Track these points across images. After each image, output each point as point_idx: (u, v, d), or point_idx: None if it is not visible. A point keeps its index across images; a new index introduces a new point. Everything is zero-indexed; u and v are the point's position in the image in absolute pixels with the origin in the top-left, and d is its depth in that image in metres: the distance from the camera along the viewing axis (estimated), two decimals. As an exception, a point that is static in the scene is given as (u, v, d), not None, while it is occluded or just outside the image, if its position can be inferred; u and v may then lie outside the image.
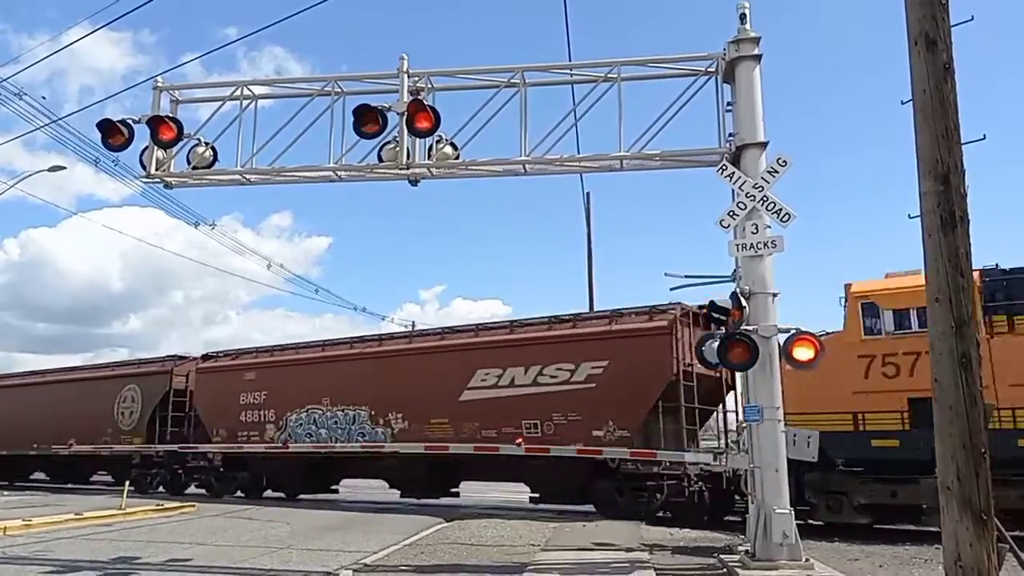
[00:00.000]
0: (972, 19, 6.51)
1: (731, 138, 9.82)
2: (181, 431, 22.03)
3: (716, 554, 10.10)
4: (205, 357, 22.65)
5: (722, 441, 15.75)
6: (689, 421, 14.16)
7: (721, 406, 15.83)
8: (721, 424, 16.05)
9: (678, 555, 10.50)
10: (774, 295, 9.42)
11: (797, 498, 11.99)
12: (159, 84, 10.77)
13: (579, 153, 10.39)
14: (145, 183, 11.83)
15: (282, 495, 20.77)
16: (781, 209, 9.20)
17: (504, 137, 11.37)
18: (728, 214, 9.38)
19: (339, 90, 10.55)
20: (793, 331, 9.15)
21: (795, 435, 9.34)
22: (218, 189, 14.70)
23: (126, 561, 10.05)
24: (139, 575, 9.21)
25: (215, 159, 10.77)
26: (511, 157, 10.32)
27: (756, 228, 9.30)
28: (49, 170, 22.81)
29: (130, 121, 10.32)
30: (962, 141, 5.70)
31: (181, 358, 23.23)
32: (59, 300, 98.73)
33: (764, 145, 9.57)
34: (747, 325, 9.03)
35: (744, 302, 9.07)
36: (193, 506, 17.42)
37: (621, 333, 14.89)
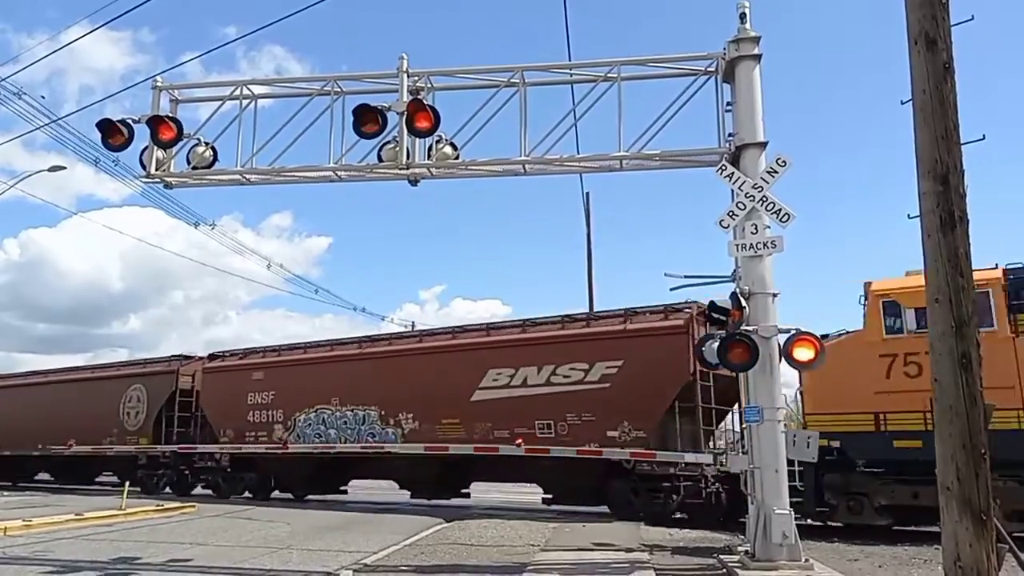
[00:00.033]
0: (972, 19, 6.53)
1: (731, 138, 9.82)
2: (187, 431, 21.91)
3: (716, 554, 10.09)
4: (211, 357, 22.50)
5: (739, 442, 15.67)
6: (706, 421, 14.05)
7: (737, 406, 15.74)
8: (738, 425, 15.89)
9: (678, 555, 10.50)
10: (774, 295, 9.43)
11: (817, 500, 11.98)
12: (159, 84, 10.77)
13: (579, 153, 10.38)
14: (145, 183, 11.85)
15: (290, 496, 20.60)
16: (781, 209, 9.20)
17: (504, 137, 11.40)
18: (728, 214, 9.38)
19: (339, 90, 10.55)
20: (793, 331, 9.17)
21: (795, 436, 9.34)
22: (218, 189, 14.73)
23: (126, 561, 10.05)
24: (139, 575, 9.22)
25: (215, 159, 10.77)
26: (511, 157, 10.32)
27: (756, 228, 9.30)
28: (49, 170, 22.82)
29: (130, 121, 10.32)
30: (961, 141, 5.70)
31: (187, 358, 23.11)
32: (59, 300, 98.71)
33: (764, 145, 9.57)
34: (747, 325, 9.03)
35: (744, 302, 9.07)
36: (193, 506, 17.43)
37: (636, 332, 14.71)
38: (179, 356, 23.40)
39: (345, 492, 20.71)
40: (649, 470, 14.32)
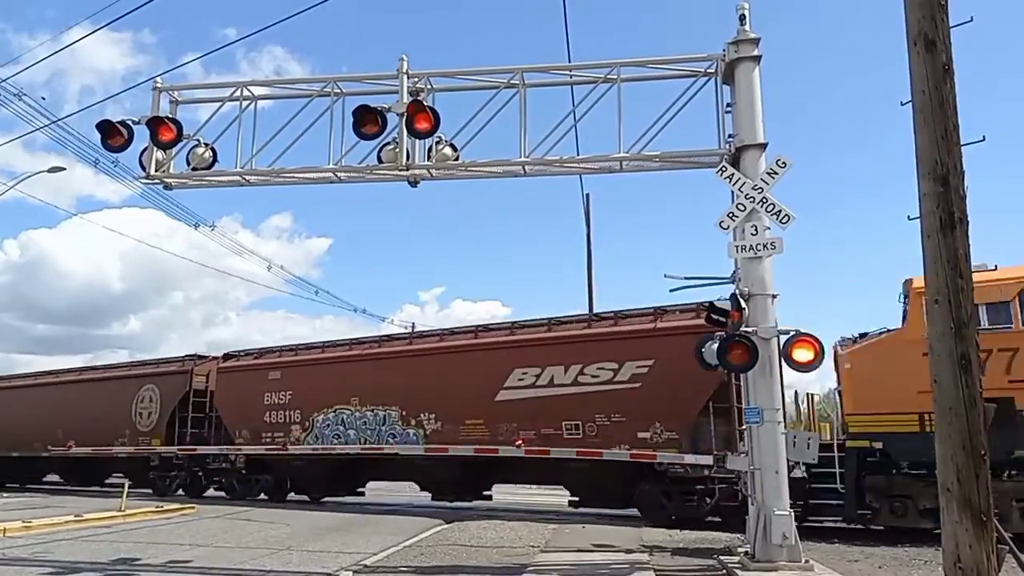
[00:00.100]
0: (971, 20, 6.51)
1: (730, 139, 9.83)
2: (201, 432, 21.57)
3: (716, 555, 10.09)
4: (226, 356, 22.12)
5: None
6: (741, 422, 13.85)
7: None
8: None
9: (678, 556, 10.50)
10: (773, 297, 9.43)
11: (858, 503, 11.78)
12: (159, 85, 10.78)
13: (579, 154, 10.38)
14: (145, 184, 11.85)
15: (305, 498, 20.31)
16: (780, 211, 9.20)
17: (504, 138, 11.40)
18: (728, 215, 9.38)
19: (339, 91, 10.56)
20: (793, 332, 9.17)
21: (795, 437, 9.33)
22: (218, 190, 14.75)
23: (126, 562, 10.04)
24: (139, 576, 9.22)
25: (215, 160, 10.77)
26: (511, 158, 10.32)
27: (756, 229, 9.30)
28: (49, 171, 22.84)
29: (130, 122, 10.32)
30: (961, 142, 5.70)
31: (201, 357, 22.76)
32: (59, 301, 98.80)
33: (764, 146, 9.58)
34: (747, 327, 9.03)
35: (744, 304, 9.07)
36: (193, 507, 17.42)
37: (668, 331, 14.27)
38: (192, 356, 23.00)
39: (363, 494, 20.36)
40: (682, 472, 13.93)
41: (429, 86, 10.33)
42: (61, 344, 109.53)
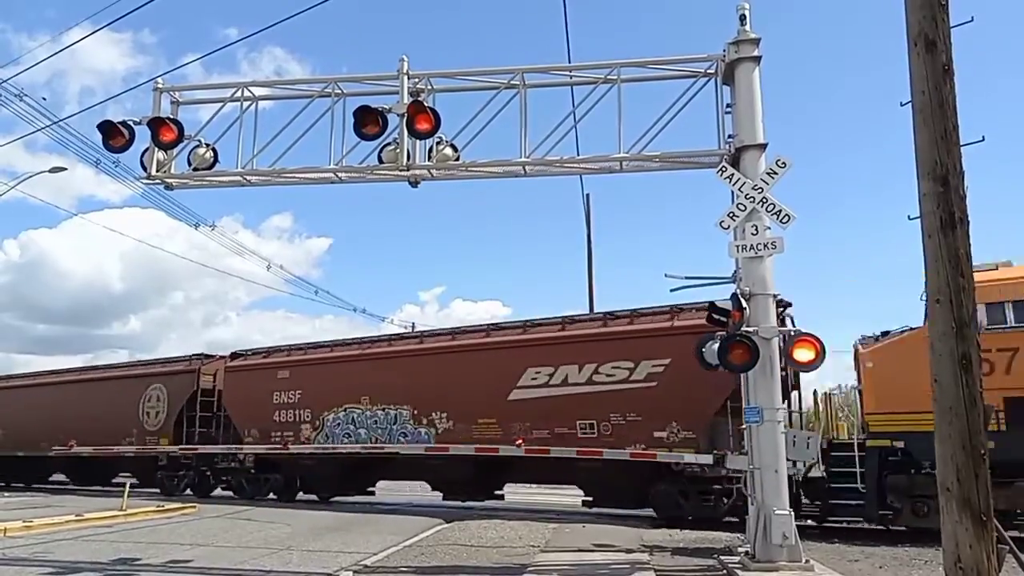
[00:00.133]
0: (972, 20, 6.52)
1: (731, 139, 9.83)
2: (209, 432, 21.40)
3: (716, 555, 10.10)
4: (234, 356, 22.01)
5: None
6: None
7: (787, 404, 14.96)
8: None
9: (678, 556, 10.51)
10: (774, 296, 9.44)
11: (879, 503, 11.67)
12: (160, 85, 10.78)
13: (579, 155, 10.39)
14: (146, 184, 11.84)
15: (315, 497, 20.20)
16: (781, 210, 9.21)
17: (504, 139, 11.41)
18: (728, 215, 9.39)
19: (339, 91, 10.57)
20: (793, 332, 9.20)
21: (795, 436, 9.35)
22: (218, 190, 14.80)
23: (127, 562, 10.05)
24: (139, 576, 9.24)
25: (216, 160, 10.78)
26: (511, 158, 10.33)
27: (756, 229, 9.31)
28: (50, 171, 22.85)
29: (131, 122, 10.33)
30: (961, 142, 5.71)
31: (208, 356, 22.59)
32: (59, 301, 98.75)
33: (764, 147, 9.59)
34: (747, 326, 9.04)
35: (744, 303, 9.08)
36: (194, 507, 17.43)
37: (684, 329, 13.86)
38: (200, 355, 22.81)
39: (373, 494, 20.26)
40: (699, 472, 13.74)
41: (429, 87, 10.34)
42: (61, 344, 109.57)
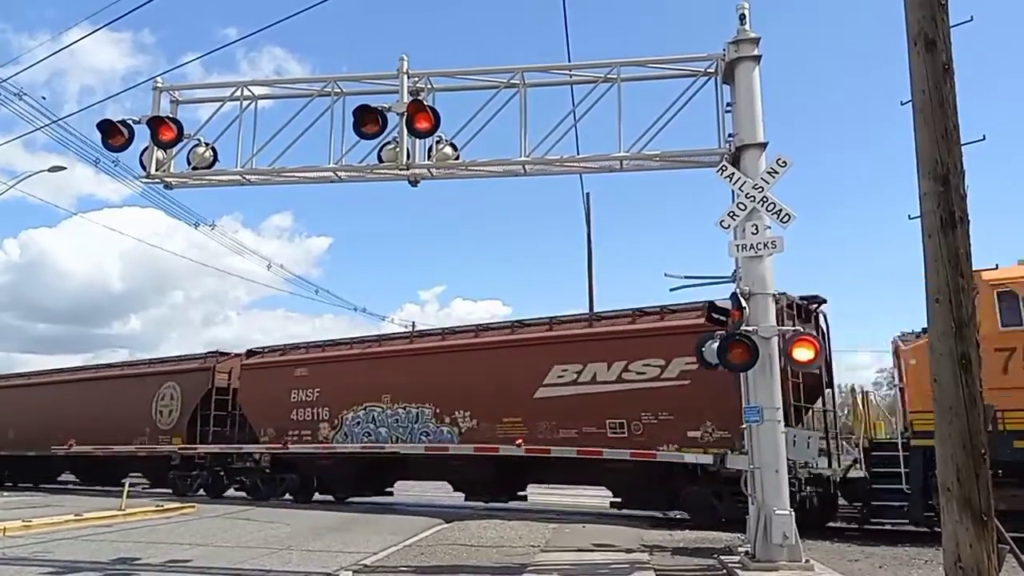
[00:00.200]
0: (972, 20, 6.50)
1: (731, 139, 9.82)
2: (224, 431, 21.13)
3: (716, 555, 10.09)
4: (250, 353, 21.60)
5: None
6: (794, 420, 13.11)
7: (820, 402, 14.70)
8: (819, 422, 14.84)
9: (678, 556, 10.50)
10: (774, 296, 9.43)
11: (924, 504, 11.23)
12: (159, 84, 10.76)
13: (579, 154, 10.38)
14: (145, 183, 11.84)
15: (330, 498, 19.98)
16: (781, 210, 9.20)
17: (504, 138, 11.39)
18: (728, 215, 9.38)
19: (339, 90, 10.55)
20: (793, 331, 9.21)
21: (795, 436, 9.33)
22: (218, 189, 14.74)
23: (126, 562, 10.04)
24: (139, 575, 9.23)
25: (215, 159, 10.75)
26: (511, 158, 10.31)
27: (756, 229, 9.29)
28: (49, 170, 22.86)
29: (130, 122, 10.31)
30: (962, 142, 5.70)
31: (223, 354, 22.31)
32: (59, 300, 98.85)
33: (764, 146, 9.57)
34: (747, 326, 9.04)
35: (744, 303, 9.07)
36: (193, 507, 17.42)
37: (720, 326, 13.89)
38: (214, 352, 22.54)
39: (391, 494, 19.95)
40: (735, 473, 13.21)
41: (429, 86, 10.32)
42: (61, 343, 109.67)
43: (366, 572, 9.32)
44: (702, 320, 14.05)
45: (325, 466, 19.33)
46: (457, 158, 10.31)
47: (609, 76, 10.20)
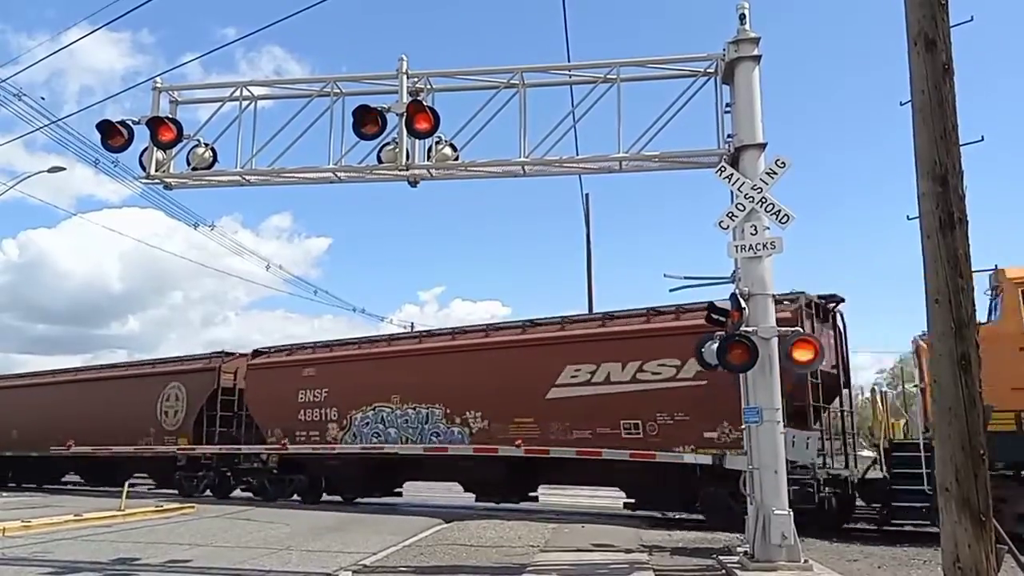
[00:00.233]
0: (972, 20, 6.51)
1: (730, 139, 9.81)
2: (230, 431, 20.96)
3: (715, 555, 10.09)
4: (256, 353, 21.40)
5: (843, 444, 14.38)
6: (816, 422, 13.03)
7: (838, 402, 14.55)
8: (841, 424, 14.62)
9: (677, 556, 10.50)
10: (773, 296, 9.44)
11: None
12: (158, 85, 10.77)
13: (578, 154, 10.38)
14: (145, 184, 11.84)
15: (338, 498, 19.79)
16: (780, 210, 9.20)
17: (504, 138, 11.39)
18: (727, 215, 9.38)
19: (338, 91, 10.55)
20: (793, 332, 9.22)
21: (794, 436, 9.34)
22: (217, 190, 14.67)
23: (126, 562, 10.04)
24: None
25: (215, 160, 10.75)
26: (510, 158, 10.31)
27: (755, 229, 9.29)
28: (49, 171, 22.90)
29: (130, 122, 10.31)
30: (961, 142, 5.71)
31: (228, 354, 22.11)
32: (58, 301, 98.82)
33: (763, 146, 9.57)
34: (746, 326, 9.04)
35: (743, 303, 9.08)
36: (192, 507, 17.41)
37: None
38: (220, 352, 22.34)
39: (400, 495, 19.75)
40: None
41: (429, 86, 10.32)
42: (60, 344, 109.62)
43: (366, 572, 9.32)
44: None
45: (334, 467, 19.16)
46: (456, 159, 10.31)
47: (608, 76, 10.20)
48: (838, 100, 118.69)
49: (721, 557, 9.77)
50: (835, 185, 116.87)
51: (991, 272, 11.42)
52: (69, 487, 26.38)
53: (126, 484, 18.70)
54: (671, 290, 10.42)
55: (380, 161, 10.19)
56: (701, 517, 14.34)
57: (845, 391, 14.55)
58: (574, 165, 10.63)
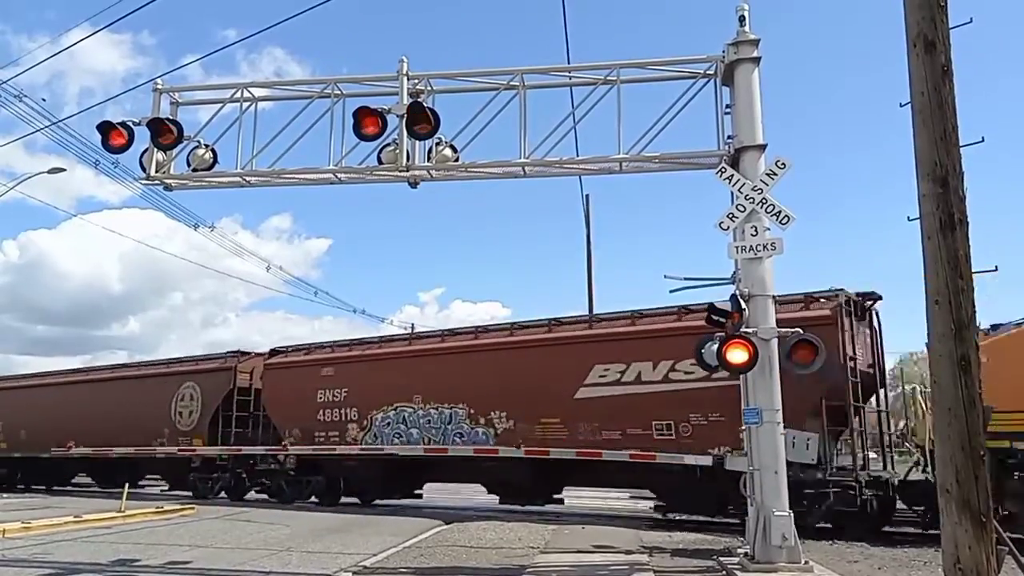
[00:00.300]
0: (971, 21, 6.51)
1: (730, 140, 9.82)
2: (245, 432, 20.76)
3: (715, 556, 10.09)
4: (273, 352, 21.17)
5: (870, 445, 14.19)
6: (840, 421, 12.80)
7: (874, 401, 14.28)
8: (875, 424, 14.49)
9: (677, 557, 10.50)
10: (774, 297, 9.44)
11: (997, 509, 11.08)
12: (159, 86, 10.77)
13: (578, 155, 10.38)
14: (145, 185, 11.81)
15: (356, 500, 19.58)
16: (780, 211, 9.20)
17: (504, 139, 11.40)
18: (727, 216, 9.38)
19: (339, 92, 10.56)
20: (793, 333, 9.23)
21: (794, 437, 9.33)
22: (218, 191, 14.80)
23: (126, 563, 10.04)
24: (138, 577, 9.23)
25: (215, 161, 10.75)
26: (511, 159, 10.31)
27: (755, 230, 9.29)
28: (49, 172, 22.88)
29: (130, 123, 10.31)
30: (961, 143, 5.71)
31: (244, 353, 21.89)
32: (58, 302, 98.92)
33: (763, 147, 9.57)
34: (747, 327, 9.04)
35: (744, 304, 9.08)
36: (193, 508, 17.40)
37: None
38: (236, 352, 22.11)
39: (420, 496, 19.50)
40: (791, 476, 12.64)
41: (429, 87, 10.33)
42: (60, 345, 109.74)
43: (365, 573, 9.32)
44: None
45: (352, 467, 18.90)
46: (457, 160, 10.31)
47: (609, 78, 10.21)
48: (838, 101, 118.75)
49: (721, 558, 9.77)
50: (835, 186, 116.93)
51: None
52: (77, 489, 26.18)
53: (126, 486, 18.63)
54: (671, 291, 10.41)
55: (380, 162, 10.19)
56: (703, 518, 14.28)
57: (881, 390, 14.32)
58: (574, 166, 10.63)
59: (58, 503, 19.33)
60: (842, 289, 13.15)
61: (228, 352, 22.53)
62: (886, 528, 12.92)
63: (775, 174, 9.33)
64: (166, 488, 24.22)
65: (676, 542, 11.92)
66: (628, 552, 10.75)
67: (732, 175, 9.45)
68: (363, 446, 18.09)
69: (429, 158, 10.20)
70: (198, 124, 11.10)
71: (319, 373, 19.25)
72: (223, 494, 20.86)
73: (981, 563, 5.16)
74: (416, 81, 10.20)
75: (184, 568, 9.81)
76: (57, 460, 24.55)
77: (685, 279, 10.20)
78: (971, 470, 5.30)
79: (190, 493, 21.30)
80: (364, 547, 11.35)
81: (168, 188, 11.09)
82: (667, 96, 10.14)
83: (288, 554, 10.72)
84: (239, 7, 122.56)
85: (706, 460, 13.32)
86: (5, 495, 22.71)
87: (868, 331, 14.21)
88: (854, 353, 12.86)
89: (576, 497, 17.70)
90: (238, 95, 10.93)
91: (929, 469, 12.06)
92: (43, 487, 25.79)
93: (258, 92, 11.23)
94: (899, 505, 13.15)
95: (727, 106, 9.96)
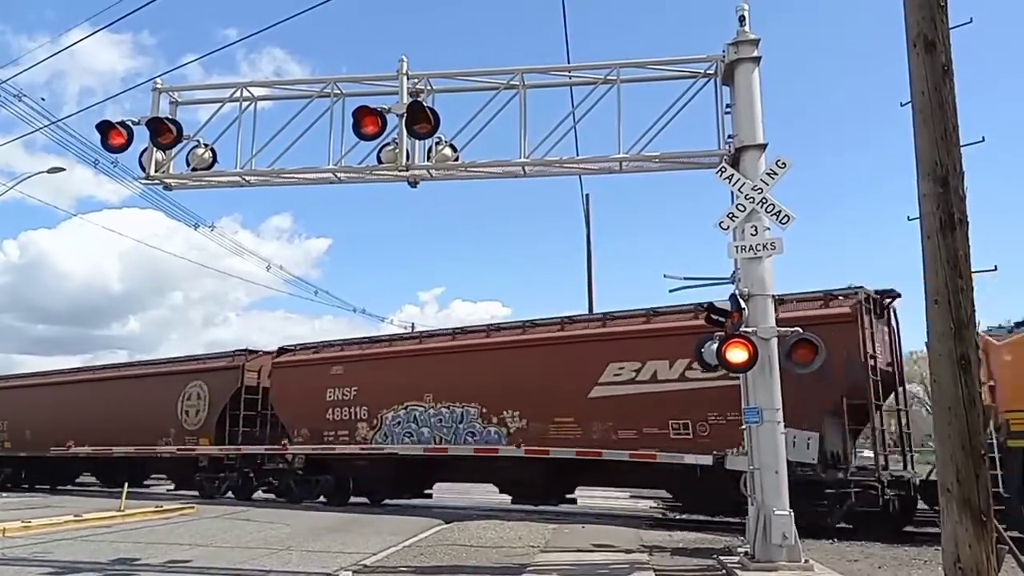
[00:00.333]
0: (971, 21, 6.51)
1: (730, 140, 9.82)
2: (253, 431, 20.61)
3: (715, 555, 10.09)
4: (281, 351, 20.99)
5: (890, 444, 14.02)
6: (861, 420, 12.71)
7: (893, 399, 14.06)
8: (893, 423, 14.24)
9: (677, 556, 10.51)
10: (773, 297, 9.45)
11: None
12: (159, 86, 10.77)
13: (578, 155, 10.38)
14: (144, 185, 11.83)
15: (365, 500, 19.50)
16: (780, 211, 9.20)
17: (504, 139, 11.40)
18: (727, 216, 9.39)
19: (339, 92, 10.55)
20: (793, 333, 9.24)
21: (795, 437, 9.33)
22: (217, 191, 14.75)
23: (126, 562, 10.04)
24: (139, 576, 9.22)
25: (214, 160, 10.75)
26: (511, 159, 10.31)
27: (755, 230, 9.30)
28: (49, 172, 22.89)
29: (130, 123, 10.32)
30: (961, 143, 5.72)
31: (252, 352, 21.77)
32: (58, 302, 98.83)
33: (763, 147, 9.57)
34: (746, 327, 9.05)
35: (743, 304, 9.08)
36: (192, 507, 17.41)
37: (791, 321, 12.26)
38: (243, 350, 21.97)
39: (430, 496, 19.31)
40: (811, 475, 12.08)
41: (429, 87, 10.33)
42: (60, 345, 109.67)
43: (366, 572, 9.32)
44: (777, 316, 13.69)
45: (362, 467, 18.73)
46: (457, 159, 10.31)
47: (609, 77, 10.21)
48: (838, 101, 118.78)
49: (722, 557, 9.77)
50: (835, 186, 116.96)
51: None
52: (79, 489, 26.13)
53: (125, 485, 18.60)
54: (671, 291, 10.39)
55: (380, 161, 10.19)
56: (703, 518, 14.28)
57: (901, 388, 14.22)
58: (574, 166, 10.63)
59: (59, 502, 19.34)
60: (861, 287, 13.06)
61: (236, 350, 22.37)
62: (907, 528, 12.81)
63: (775, 174, 9.33)
64: (172, 488, 24.12)
65: (676, 541, 11.93)
66: (628, 551, 10.76)
67: (732, 175, 9.45)
68: (373, 445, 17.99)
69: (429, 157, 10.20)
70: (197, 124, 11.13)
71: (328, 372, 19.12)
72: (230, 494, 20.73)
73: (981, 562, 5.17)
74: (416, 80, 10.20)
75: (184, 567, 9.81)
76: (61, 460, 24.44)
77: (685, 279, 10.19)
78: (971, 469, 5.30)
79: (196, 493, 21.24)
80: (364, 546, 11.35)
81: (168, 187, 11.09)
82: (667, 96, 10.16)
83: (288, 553, 10.73)
84: (239, 7, 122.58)
85: (706, 460, 13.30)
86: (6, 494, 22.71)
87: (887, 329, 14.07)
88: (874, 351, 12.77)
89: (576, 496, 17.60)
90: (237, 94, 10.93)
91: None
92: (47, 487, 25.71)
93: (258, 92, 11.23)
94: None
95: (727, 106, 9.96)
